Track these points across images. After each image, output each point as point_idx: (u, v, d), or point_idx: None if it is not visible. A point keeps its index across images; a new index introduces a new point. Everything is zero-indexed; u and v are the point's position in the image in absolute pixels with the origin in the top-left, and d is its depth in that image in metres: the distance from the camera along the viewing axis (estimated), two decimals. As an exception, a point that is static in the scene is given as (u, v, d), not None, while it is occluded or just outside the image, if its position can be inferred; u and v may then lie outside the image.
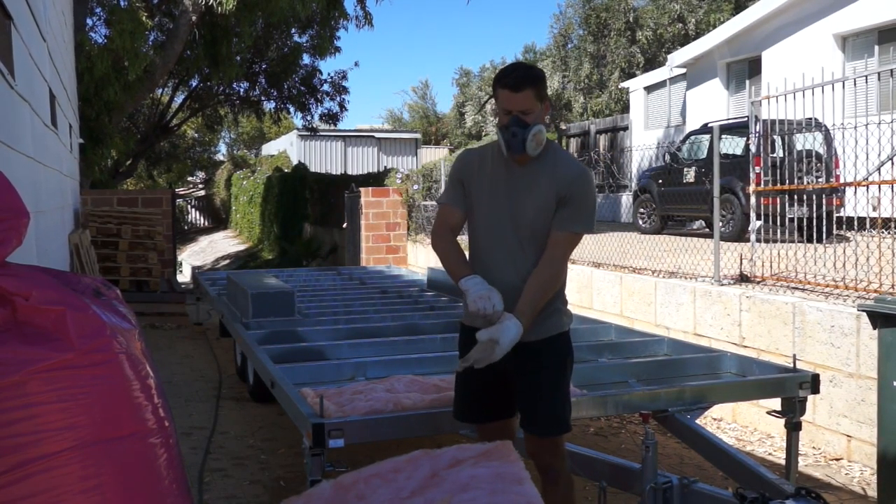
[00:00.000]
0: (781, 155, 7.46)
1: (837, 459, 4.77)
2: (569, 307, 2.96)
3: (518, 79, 2.64)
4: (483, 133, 28.77)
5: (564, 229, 2.70)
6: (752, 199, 6.52)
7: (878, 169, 5.85)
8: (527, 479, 2.07)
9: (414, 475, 2.12)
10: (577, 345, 4.82)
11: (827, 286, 5.56)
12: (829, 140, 8.17)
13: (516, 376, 2.77)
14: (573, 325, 5.48)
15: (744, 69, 14.40)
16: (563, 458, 2.84)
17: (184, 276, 19.12)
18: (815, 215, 6.10)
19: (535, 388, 2.75)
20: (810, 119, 6.37)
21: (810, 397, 3.78)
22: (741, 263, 6.35)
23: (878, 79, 6.59)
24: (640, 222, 11.76)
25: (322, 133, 25.18)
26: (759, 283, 6.08)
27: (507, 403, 2.84)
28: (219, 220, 30.78)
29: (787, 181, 6.53)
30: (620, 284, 6.95)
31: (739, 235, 9.05)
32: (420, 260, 12.19)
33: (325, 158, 28.24)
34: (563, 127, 21.82)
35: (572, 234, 2.74)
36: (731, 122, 10.70)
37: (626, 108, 20.69)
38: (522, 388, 2.77)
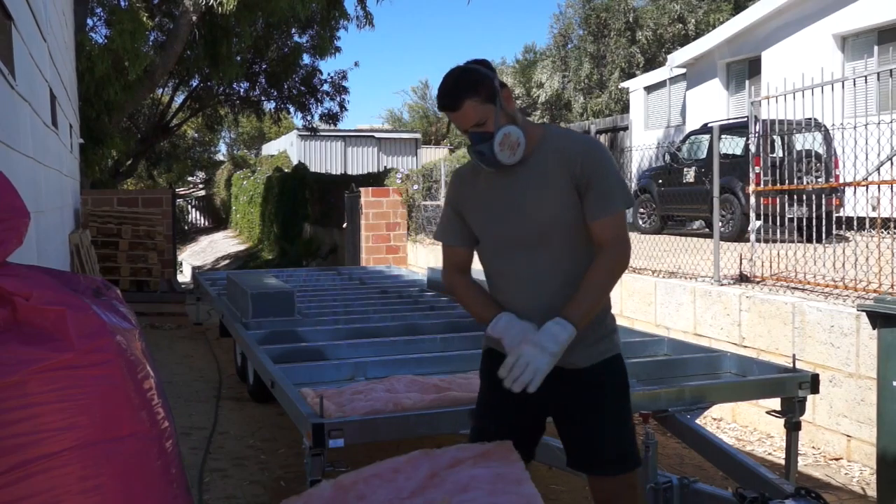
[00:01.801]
0: (781, 155, 7.46)
1: (837, 459, 4.77)
2: (609, 308, 2.53)
3: (450, 97, 2.27)
4: (483, 133, 28.72)
5: (603, 215, 2.27)
6: (752, 199, 6.53)
7: (878, 169, 5.86)
8: (526, 480, 2.05)
9: (413, 475, 2.10)
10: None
11: (827, 286, 5.56)
12: (828, 140, 8.17)
13: (570, 410, 2.37)
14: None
15: (744, 69, 14.41)
16: (636, 497, 2.47)
17: (184, 276, 19.12)
18: (814, 215, 6.10)
19: (598, 423, 2.34)
20: (810, 119, 6.37)
21: (810, 397, 3.78)
22: (741, 263, 6.35)
23: (878, 79, 6.60)
24: (640, 222, 11.76)
25: (322, 133, 25.18)
26: (758, 283, 6.08)
27: (531, 443, 2.48)
28: (219, 220, 30.78)
29: (787, 181, 6.53)
30: (620, 284, 6.95)
31: (739, 235, 9.06)
32: (420, 260, 12.19)
33: (325, 158, 28.24)
34: (563, 127, 21.82)
35: (613, 217, 2.28)
36: (730, 122, 10.71)
37: (625, 108, 20.69)
38: (580, 422, 2.36)
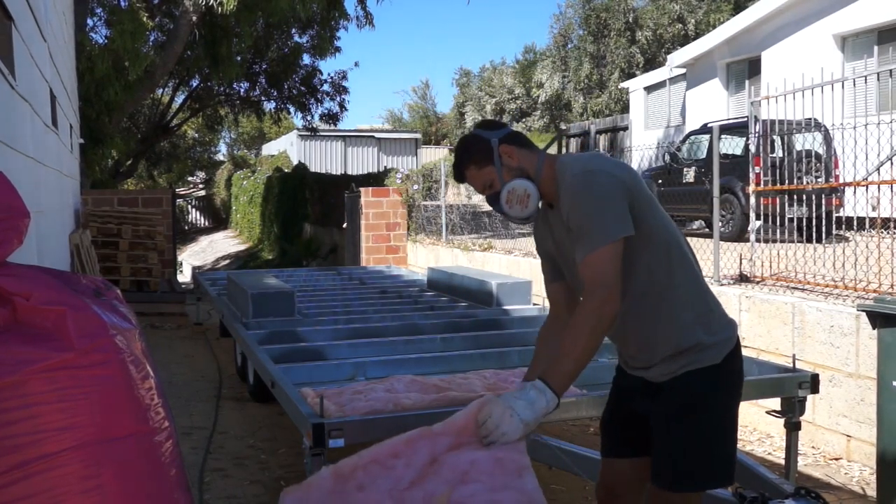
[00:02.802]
0: (781, 155, 7.46)
1: (837, 459, 4.77)
2: (720, 316, 2.34)
3: (455, 170, 2.37)
4: (483, 133, 28.73)
5: (581, 257, 2.15)
6: (752, 199, 6.53)
7: (878, 169, 5.86)
8: (526, 468, 1.99)
9: (413, 461, 2.05)
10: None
11: (826, 286, 5.56)
12: (828, 140, 8.18)
13: (651, 422, 2.34)
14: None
15: (743, 69, 14.41)
16: None
17: (184, 276, 19.12)
18: (814, 215, 6.10)
19: (661, 435, 2.29)
20: (810, 119, 6.37)
21: (810, 397, 3.78)
22: (741, 263, 6.35)
23: (878, 79, 6.60)
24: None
25: (322, 133, 25.20)
26: (758, 283, 6.09)
27: (643, 441, 2.39)
28: (219, 220, 30.79)
29: (787, 181, 6.53)
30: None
31: (739, 235, 9.06)
32: (420, 260, 12.19)
33: (325, 158, 28.26)
34: (563, 127, 21.84)
35: (589, 256, 2.12)
36: (730, 122, 10.71)
37: (625, 109, 20.70)
38: (653, 434, 2.32)
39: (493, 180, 2.28)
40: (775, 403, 3.80)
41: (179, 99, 21.84)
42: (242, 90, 20.84)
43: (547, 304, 6.21)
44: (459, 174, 2.36)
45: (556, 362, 2.11)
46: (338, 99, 20.68)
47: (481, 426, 2.06)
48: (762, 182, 6.48)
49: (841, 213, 7.60)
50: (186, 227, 30.41)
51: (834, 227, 6.37)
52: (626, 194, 2.17)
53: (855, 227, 5.67)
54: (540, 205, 2.31)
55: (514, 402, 2.04)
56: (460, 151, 2.35)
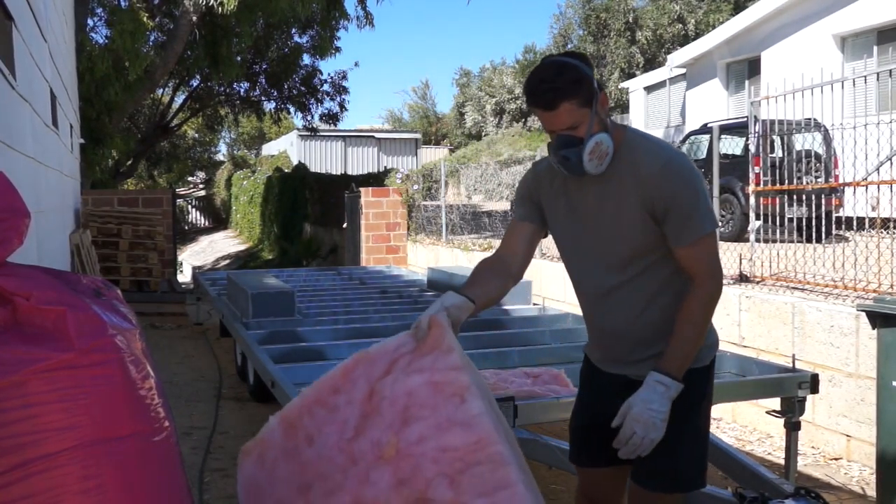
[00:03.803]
0: (781, 155, 7.46)
1: (837, 459, 4.78)
2: (711, 330, 2.30)
3: (547, 96, 2.05)
4: (483, 133, 28.79)
5: (687, 241, 2.09)
6: (752, 199, 6.53)
7: (878, 169, 5.86)
8: (467, 389, 1.84)
9: (353, 397, 1.93)
10: (576, 345, 4.86)
11: (826, 286, 5.56)
12: (828, 140, 8.18)
13: None
14: (572, 327, 5.52)
15: (743, 69, 14.41)
16: None
17: (184, 276, 19.12)
18: (814, 215, 6.10)
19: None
20: (809, 119, 6.38)
21: (810, 397, 3.78)
22: (740, 263, 6.35)
23: (878, 79, 6.59)
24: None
25: (322, 133, 25.20)
26: (758, 283, 6.09)
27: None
28: (219, 220, 30.79)
29: (787, 181, 6.53)
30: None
31: (739, 235, 9.06)
32: (420, 260, 12.19)
33: (325, 158, 28.26)
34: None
35: (698, 243, 2.09)
36: (730, 122, 10.70)
37: (625, 109, 20.69)
38: None
39: (583, 125, 2.07)
40: (775, 403, 3.80)
41: (179, 99, 21.85)
42: (242, 90, 20.85)
43: (547, 303, 6.17)
44: (550, 103, 2.05)
45: (674, 348, 2.08)
46: (338, 99, 20.70)
47: (627, 443, 2.05)
48: (762, 182, 6.48)
49: (841, 213, 7.60)
50: (186, 227, 30.41)
51: (834, 227, 6.37)
52: None
53: (855, 227, 5.67)
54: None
55: (649, 405, 2.04)
56: (562, 79, 2.04)
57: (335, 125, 21.80)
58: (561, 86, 2.04)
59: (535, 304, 6.20)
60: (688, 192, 2.08)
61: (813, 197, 6.36)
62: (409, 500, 1.76)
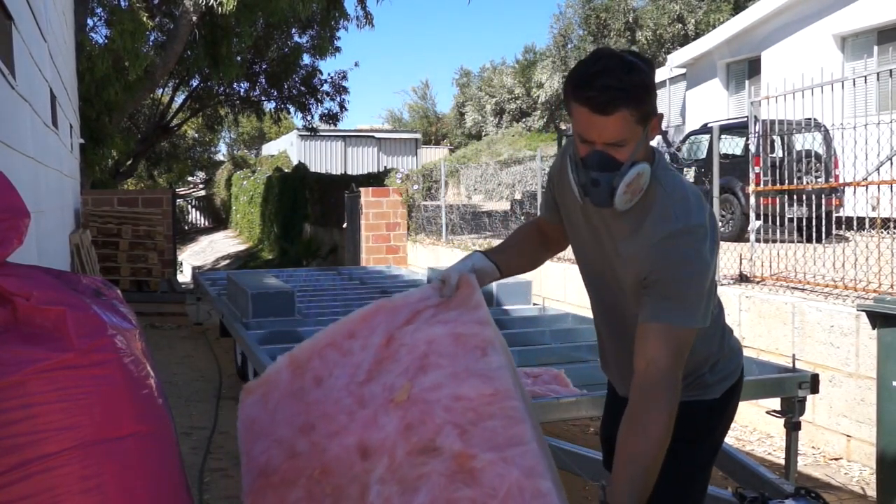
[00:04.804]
0: (781, 155, 7.46)
1: (837, 459, 4.77)
2: (729, 352, 2.02)
3: (606, 95, 1.64)
4: (483, 133, 28.79)
5: (651, 320, 1.73)
6: (752, 199, 6.53)
7: (878, 169, 5.86)
8: (490, 343, 1.74)
9: (369, 342, 1.84)
10: (577, 344, 4.86)
11: (826, 286, 5.56)
12: (828, 140, 8.18)
13: None
14: (572, 327, 5.52)
15: (743, 69, 14.41)
16: None
17: (184, 276, 19.12)
18: (814, 215, 6.10)
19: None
20: (810, 119, 6.38)
21: (810, 397, 3.79)
22: (741, 263, 6.35)
23: (878, 79, 6.59)
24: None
25: (322, 133, 25.20)
26: (758, 282, 6.09)
27: None
28: (219, 220, 30.79)
29: (787, 181, 6.53)
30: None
31: (739, 235, 9.06)
32: (420, 260, 12.19)
33: (325, 158, 28.27)
34: (563, 127, 21.83)
35: (661, 327, 1.71)
36: (730, 122, 10.71)
37: (626, 108, 20.65)
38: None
39: (629, 144, 1.70)
40: (775, 403, 3.80)
41: (179, 99, 21.85)
42: (242, 90, 20.85)
43: (547, 303, 6.19)
44: (606, 107, 1.64)
45: (619, 486, 1.67)
46: (338, 99, 20.70)
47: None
48: (762, 182, 6.48)
49: (841, 213, 7.60)
50: (186, 227, 30.40)
51: (834, 227, 6.37)
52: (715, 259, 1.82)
53: (855, 227, 5.67)
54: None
55: None
56: (629, 83, 1.65)
57: (335, 125, 21.81)
58: (627, 87, 1.64)
59: (535, 304, 6.20)
60: (679, 273, 1.72)
61: (813, 197, 6.36)
62: (415, 447, 1.66)
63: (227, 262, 22.15)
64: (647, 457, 1.65)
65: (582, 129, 1.71)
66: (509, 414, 1.64)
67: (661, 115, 1.80)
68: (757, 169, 6.55)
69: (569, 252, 2.22)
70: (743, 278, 6.24)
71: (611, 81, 1.63)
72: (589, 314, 6.30)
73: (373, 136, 30.17)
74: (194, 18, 13.49)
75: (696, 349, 1.85)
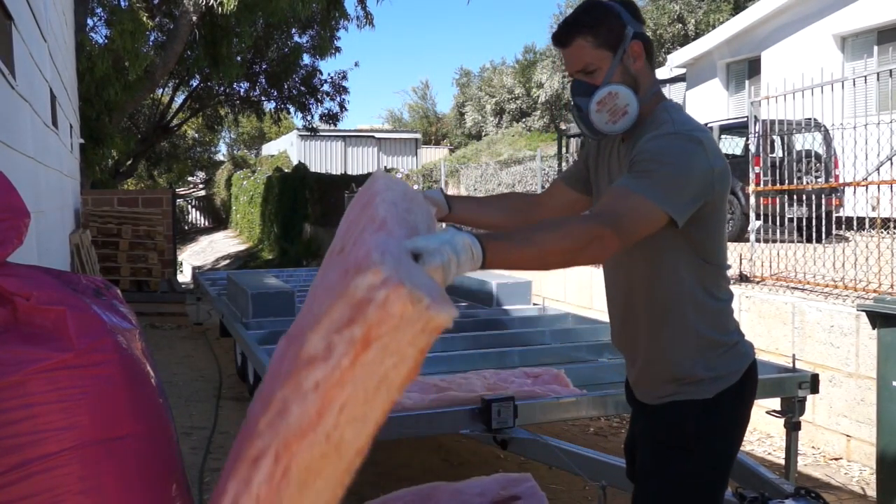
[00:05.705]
0: (781, 155, 7.47)
1: (837, 459, 4.77)
2: (733, 351, 1.89)
3: (562, 29, 1.84)
4: (483, 133, 28.78)
5: (617, 183, 1.73)
6: (752, 199, 6.53)
7: (878, 169, 5.86)
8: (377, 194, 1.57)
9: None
10: (576, 344, 4.86)
11: (826, 286, 5.57)
12: (828, 140, 8.18)
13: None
14: (572, 327, 5.52)
15: (743, 69, 14.41)
16: None
17: (184, 276, 19.12)
18: (814, 215, 6.11)
19: (641, 477, 1.93)
20: (810, 119, 6.38)
21: (810, 397, 3.79)
22: (740, 263, 6.35)
23: (878, 79, 6.59)
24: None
25: (322, 133, 25.21)
26: (758, 282, 6.09)
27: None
28: (219, 220, 30.79)
29: (787, 181, 6.53)
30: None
31: (739, 235, 9.06)
32: (420, 260, 12.18)
33: (325, 158, 28.27)
34: (563, 127, 21.83)
35: (627, 192, 1.66)
36: (730, 122, 10.71)
37: (626, 108, 20.65)
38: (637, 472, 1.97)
39: (600, 69, 1.81)
40: (775, 403, 3.80)
41: (179, 99, 21.86)
42: (242, 90, 20.85)
43: (547, 303, 6.18)
44: (563, 37, 1.84)
45: (503, 235, 1.61)
46: (338, 99, 20.71)
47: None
48: (762, 182, 6.48)
49: (841, 213, 7.60)
50: (186, 227, 30.40)
51: (834, 227, 6.37)
52: (709, 188, 1.74)
53: (855, 227, 5.67)
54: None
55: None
56: (584, 14, 1.83)
57: (335, 125, 21.81)
58: (579, 20, 1.82)
59: (535, 304, 6.20)
60: (656, 154, 1.70)
61: (813, 197, 6.36)
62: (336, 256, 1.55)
63: (227, 262, 22.15)
64: (536, 241, 1.55)
65: (565, 66, 1.89)
66: (371, 213, 1.53)
67: (645, 41, 1.85)
68: (757, 169, 6.56)
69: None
70: (743, 278, 6.24)
71: (568, 18, 1.86)
72: (589, 314, 6.29)
73: (373, 136, 30.18)
74: (194, 18, 13.50)
75: (687, 316, 1.83)
